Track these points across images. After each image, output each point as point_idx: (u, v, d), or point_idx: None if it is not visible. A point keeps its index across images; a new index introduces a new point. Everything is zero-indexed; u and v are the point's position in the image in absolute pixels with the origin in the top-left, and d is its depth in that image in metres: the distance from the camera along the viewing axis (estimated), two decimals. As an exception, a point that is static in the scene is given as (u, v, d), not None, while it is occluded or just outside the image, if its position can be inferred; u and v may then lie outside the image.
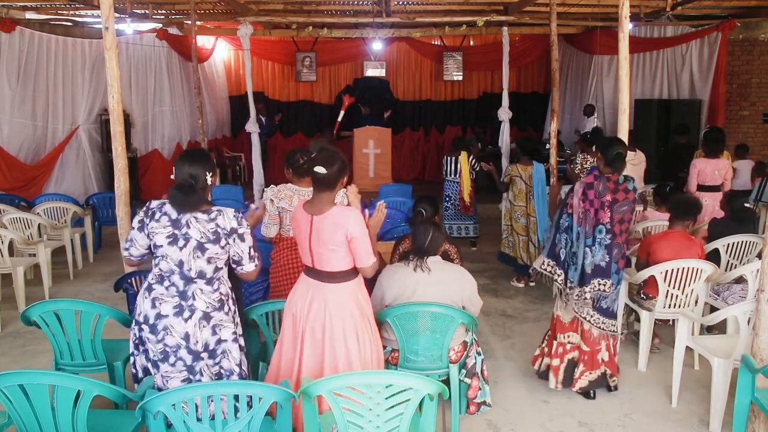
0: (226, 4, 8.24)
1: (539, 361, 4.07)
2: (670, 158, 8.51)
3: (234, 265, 2.84)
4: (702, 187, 6.07)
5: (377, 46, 12.25)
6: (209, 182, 2.79)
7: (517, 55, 11.37)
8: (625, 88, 4.23)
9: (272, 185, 3.98)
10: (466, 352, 3.52)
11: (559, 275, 3.79)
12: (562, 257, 3.77)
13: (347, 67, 12.97)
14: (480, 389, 3.61)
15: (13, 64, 7.74)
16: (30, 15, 8.59)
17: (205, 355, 2.72)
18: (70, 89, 8.57)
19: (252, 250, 2.80)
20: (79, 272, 6.83)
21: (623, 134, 4.16)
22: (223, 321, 2.76)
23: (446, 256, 3.83)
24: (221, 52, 12.25)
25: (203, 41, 10.93)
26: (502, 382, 4.13)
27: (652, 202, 6.00)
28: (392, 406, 2.44)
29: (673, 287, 4.21)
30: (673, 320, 4.33)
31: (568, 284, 3.76)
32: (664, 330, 4.84)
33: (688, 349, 3.83)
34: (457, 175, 7.61)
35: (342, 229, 2.84)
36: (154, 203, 2.76)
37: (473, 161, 7.51)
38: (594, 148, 6.27)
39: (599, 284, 3.69)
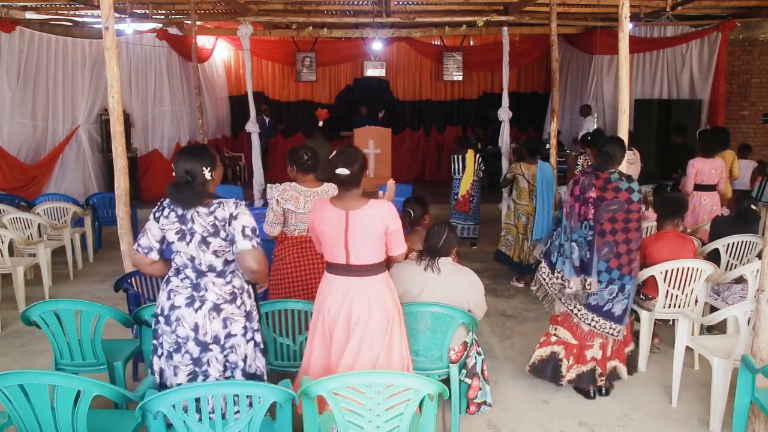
0: (226, 4, 8.25)
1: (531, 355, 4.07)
2: (669, 158, 8.51)
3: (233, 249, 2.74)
4: (700, 187, 6.08)
5: (377, 46, 12.25)
6: (208, 177, 2.76)
7: (517, 55, 11.37)
8: (625, 88, 4.23)
9: (276, 184, 3.88)
10: (466, 352, 3.52)
11: (557, 276, 3.81)
12: (554, 251, 3.84)
13: (347, 67, 12.98)
14: (480, 389, 3.61)
15: (13, 64, 7.75)
16: (30, 15, 8.60)
17: (213, 346, 2.72)
18: (70, 89, 8.58)
19: (248, 229, 2.68)
20: (79, 272, 6.82)
21: (623, 134, 4.16)
22: (234, 314, 2.75)
23: None
24: (221, 52, 12.26)
25: (203, 41, 10.94)
26: (502, 382, 4.13)
27: (653, 202, 5.99)
28: (392, 406, 2.44)
29: (673, 287, 4.21)
30: (673, 320, 4.33)
31: (556, 274, 3.81)
32: (664, 330, 4.83)
33: (688, 349, 3.83)
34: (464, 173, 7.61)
35: (384, 221, 2.94)
36: (166, 200, 2.77)
37: (480, 160, 7.52)
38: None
39: (582, 280, 3.71)
